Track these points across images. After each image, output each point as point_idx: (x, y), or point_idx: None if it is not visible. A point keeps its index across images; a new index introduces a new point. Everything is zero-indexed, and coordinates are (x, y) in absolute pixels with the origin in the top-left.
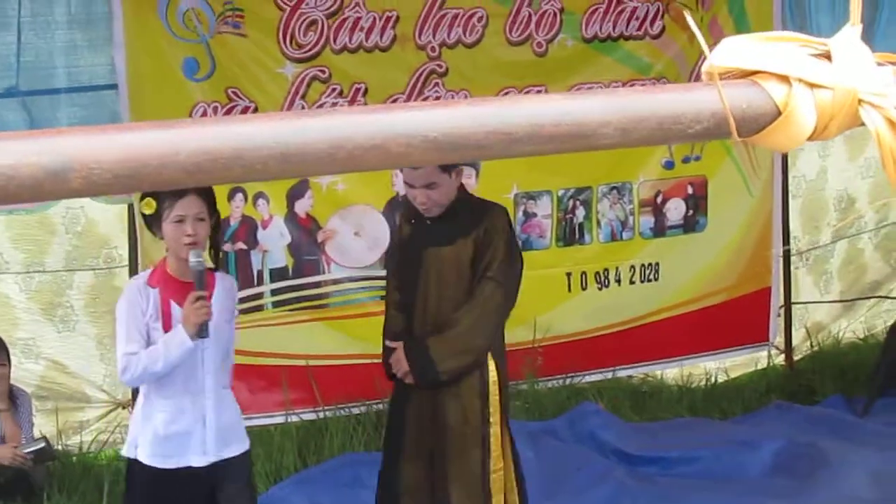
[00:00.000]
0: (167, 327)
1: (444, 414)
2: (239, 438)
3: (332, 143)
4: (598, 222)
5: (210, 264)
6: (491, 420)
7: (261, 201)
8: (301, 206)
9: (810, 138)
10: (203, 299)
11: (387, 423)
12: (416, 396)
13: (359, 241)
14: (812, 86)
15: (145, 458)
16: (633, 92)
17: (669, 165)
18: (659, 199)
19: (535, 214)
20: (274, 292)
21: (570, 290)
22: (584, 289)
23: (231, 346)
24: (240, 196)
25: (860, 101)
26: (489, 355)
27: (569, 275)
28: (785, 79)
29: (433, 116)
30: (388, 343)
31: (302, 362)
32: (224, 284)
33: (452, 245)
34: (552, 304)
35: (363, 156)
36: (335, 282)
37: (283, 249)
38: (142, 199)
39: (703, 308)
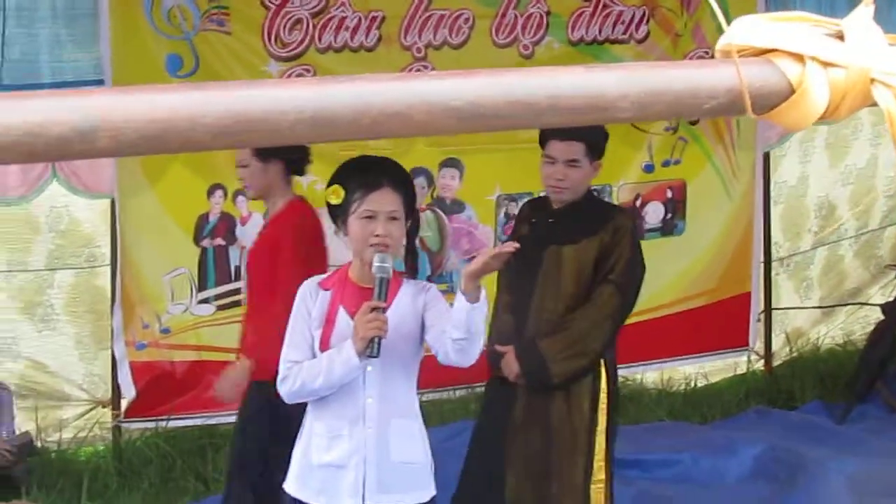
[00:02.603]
0: (326, 336)
1: (551, 417)
2: (413, 485)
3: (356, 109)
4: None
5: (396, 271)
6: (598, 429)
7: (240, 198)
8: None
9: (822, 117)
10: (379, 311)
11: (478, 427)
12: (521, 399)
13: (338, 239)
14: (825, 64)
15: (293, 489)
16: (650, 67)
17: (649, 169)
18: (638, 203)
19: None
20: None
21: None
22: None
23: (414, 367)
24: (219, 192)
25: (872, 80)
26: (602, 363)
27: None
28: (799, 57)
29: (456, 85)
30: (497, 348)
31: None
32: (410, 292)
33: (576, 244)
34: None
35: (386, 122)
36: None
37: None
38: (328, 185)
39: (683, 311)
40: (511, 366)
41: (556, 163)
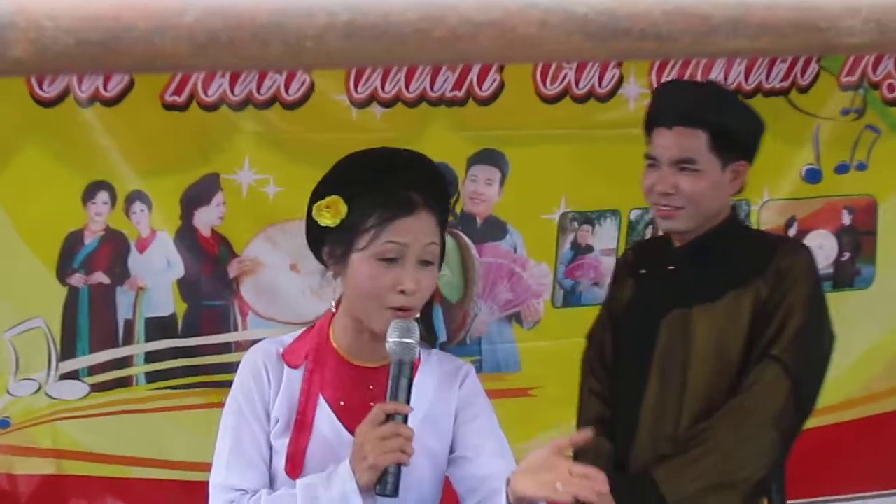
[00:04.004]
0: (299, 447)
1: None
2: None
3: (426, 14)
4: None
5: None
6: None
7: (138, 206)
8: (204, 218)
9: None
10: (399, 418)
11: None
12: None
13: (296, 278)
14: None
15: None
16: None
17: (814, 176)
18: (793, 231)
19: (590, 248)
20: (151, 357)
21: None
22: None
23: (434, 496)
24: (104, 196)
25: None
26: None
27: None
28: None
29: None
30: None
31: (196, 475)
32: (437, 373)
33: (714, 303)
34: None
35: (473, 36)
36: (254, 344)
37: (171, 287)
38: (321, 195)
39: (864, 419)
40: None
41: (659, 166)
